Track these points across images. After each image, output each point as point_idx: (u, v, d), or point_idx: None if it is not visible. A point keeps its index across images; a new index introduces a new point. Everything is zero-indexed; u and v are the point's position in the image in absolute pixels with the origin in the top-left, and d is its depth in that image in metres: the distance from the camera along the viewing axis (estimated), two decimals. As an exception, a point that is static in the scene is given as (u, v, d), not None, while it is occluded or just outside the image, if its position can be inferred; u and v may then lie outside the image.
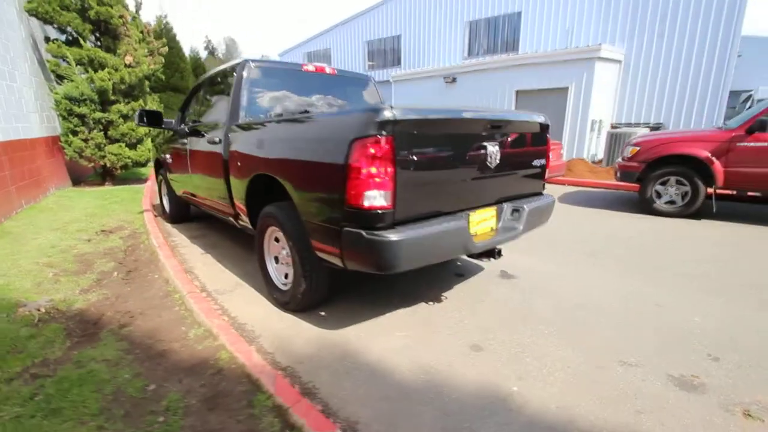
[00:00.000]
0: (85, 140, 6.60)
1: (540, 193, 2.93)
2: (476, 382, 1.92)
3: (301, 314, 2.61)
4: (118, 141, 7.03)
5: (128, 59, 6.84)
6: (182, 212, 5.01)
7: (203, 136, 3.51)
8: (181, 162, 4.15)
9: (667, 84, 12.15)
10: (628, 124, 12.54)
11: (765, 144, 4.32)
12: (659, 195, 5.14)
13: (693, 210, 4.89)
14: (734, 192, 4.88)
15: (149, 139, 7.65)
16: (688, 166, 4.81)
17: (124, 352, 2.11)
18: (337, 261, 2.14)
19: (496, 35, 15.53)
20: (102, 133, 6.78)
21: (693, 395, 1.84)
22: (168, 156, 4.54)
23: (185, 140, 3.90)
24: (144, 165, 7.77)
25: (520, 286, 3.06)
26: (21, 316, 2.46)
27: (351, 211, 1.89)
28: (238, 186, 2.94)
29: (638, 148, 5.21)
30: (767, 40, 16.46)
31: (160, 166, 5.21)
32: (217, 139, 3.15)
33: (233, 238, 4.34)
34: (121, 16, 6.65)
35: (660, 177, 5.05)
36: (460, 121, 2.13)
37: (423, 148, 1.97)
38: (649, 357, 2.13)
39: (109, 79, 6.48)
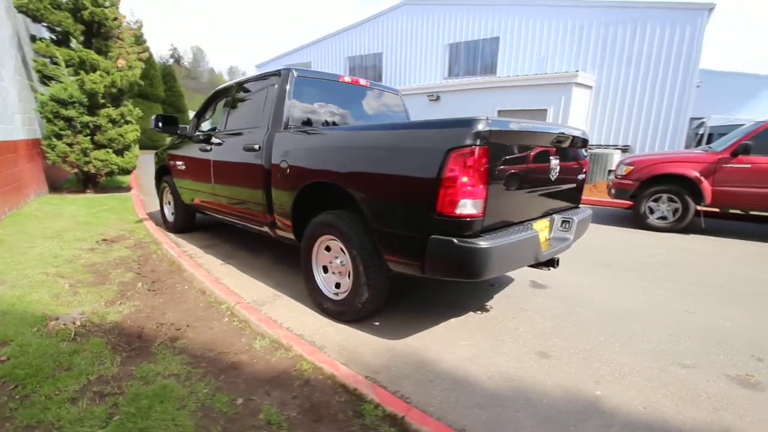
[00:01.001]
0: (70, 144, 6.20)
1: (577, 206, 3.07)
2: (559, 387, 1.96)
3: (354, 324, 2.56)
4: (105, 146, 6.66)
5: (121, 63, 6.56)
6: (188, 221, 4.79)
7: (233, 144, 3.42)
8: (197, 169, 4.00)
9: (634, 109, 13.09)
10: (599, 146, 13.36)
11: (748, 166, 4.76)
12: (652, 211, 5.49)
13: (683, 225, 5.26)
14: (718, 209, 5.30)
15: (137, 146, 7.30)
16: (679, 185, 5.19)
17: (189, 365, 1.99)
18: (413, 269, 2.14)
19: (476, 58, 16.19)
20: (89, 137, 6.41)
21: (755, 392, 1.96)
22: (178, 163, 4.36)
23: (207, 147, 3.77)
24: (129, 172, 7.39)
25: (555, 294, 3.16)
26: (55, 330, 2.26)
27: (441, 219, 1.91)
28: (283, 196, 2.87)
29: (632, 167, 5.56)
30: (715, 74, 18.17)
31: (163, 173, 4.99)
32: (257, 147, 3.08)
33: (248, 248, 4.20)
34: (115, 18, 6.39)
35: (653, 194, 5.41)
36: (537, 133, 2.22)
37: (507, 158, 2.03)
38: (700, 359, 2.25)
39: (101, 82, 6.17)
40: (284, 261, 3.83)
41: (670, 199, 5.32)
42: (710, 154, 5.07)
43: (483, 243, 1.87)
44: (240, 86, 3.65)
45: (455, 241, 1.88)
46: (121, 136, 6.75)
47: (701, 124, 16.53)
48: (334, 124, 3.36)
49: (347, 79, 3.53)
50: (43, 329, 2.27)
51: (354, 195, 2.32)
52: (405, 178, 2.02)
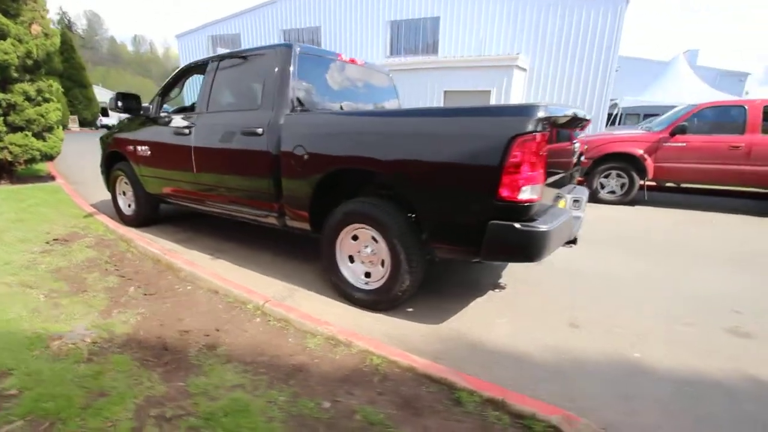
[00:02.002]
0: (-23, 127, 5.15)
1: (575, 185, 3.30)
2: (602, 354, 2.14)
3: (388, 313, 2.54)
4: (22, 129, 5.64)
5: (35, 29, 5.51)
6: (152, 214, 4.30)
7: (222, 127, 3.10)
8: (171, 156, 3.58)
9: (563, 91, 14.19)
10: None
11: (683, 144, 5.46)
12: (602, 186, 6.09)
13: (629, 198, 5.92)
14: (656, 183, 6.04)
15: (60, 128, 6.29)
16: (626, 162, 5.80)
17: (248, 374, 1.83)
18: (464, 255, 2.18)
19: (417, 37, 16.23)
20: (1, 119, 5.37)
21: (749, 339, 2.33)
22: (141, 148, 3.85)
23: (185, 130, 3.37)
24: (52, 159, 6.36)
25: (557, 267, 3.39)
26: (64, 352, 1.93)
27: (502, 204, 1.94)
28: (299, 185, 2.69)
29: (586, 147, 6.08)
30: (624, 59, 20.24)
31: (113, 159, 4.38)
32: (259, 131, 2.82)
33: (235, 239, 3.90)
34: (25, -27, 5.31)
35: (604, 171, 5.99)
36: (572, 118, 2.32)
37: (554, 142, 2.11)
38: (697, 317, 2.60)
39: (14, 52, 5.15)
40: (283, 251, 3.63)
41: (618, 175, 5.93)
42: (652, 133, 5.72)
43: (543, 226, 1.94)
44: (224, 61, 3.28)
45: (517, 225, 1.93)
46: (42, 116, 5.75)
47: (614, 105, 18.50)
48: (339, 106, 3.20)
49: (345, 57, 3.35)
50: (46, 352, 1.93)
51: (397, 183, 2.26)
52: (462, 165, 2.01)
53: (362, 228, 2.51)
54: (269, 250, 3.65)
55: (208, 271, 2.89)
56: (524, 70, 13.79)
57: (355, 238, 2.59)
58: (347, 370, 1.85)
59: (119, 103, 3.55)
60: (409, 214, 2.36)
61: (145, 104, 3.88)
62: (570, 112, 2.28)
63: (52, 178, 6.69)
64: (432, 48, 15.92)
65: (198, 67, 3.58)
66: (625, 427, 1.62)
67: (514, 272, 3.28)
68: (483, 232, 2.02)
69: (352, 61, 3.42)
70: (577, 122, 2.63)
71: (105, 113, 28.85)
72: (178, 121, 3.52)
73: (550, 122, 1.96)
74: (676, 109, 6.12)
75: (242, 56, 3.19)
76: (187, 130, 3.36)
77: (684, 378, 1.95)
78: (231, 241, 3.87)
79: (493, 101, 12.43)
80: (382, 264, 2.50)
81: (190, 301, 2.58)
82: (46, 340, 2.00)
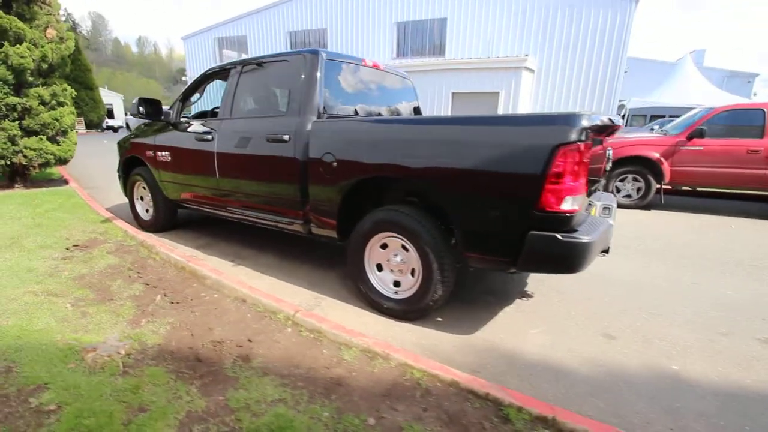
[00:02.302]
0: (-7, 131, 5.16)
1: (600, 191, 3.26)
2: (642, 366, 2.10)
3: (418, 323, 2.51)
4: (36, 133, 5.64)
5: (50, 33, 5.51)
6: (171, 219, 4.28)
7: (246, 133, 3.08)
8: (192, 162, 3.57)
9: (571, 92, 14.13)
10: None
11: (701, 148, 5.40)
12: (618, 190, 6.04)
13: (645, 202, 5.86)
14: (671, 186, 5.98)
15: (74, 132, 6.29)
16: (642, 166, 5.75)
17: (286, 387, 1.80)
18: (499, 265, 2.14)
19: (424, 38, 16.22)
20: (17, 123, 5.37)
21: (786, 352, 2.29)
22: (162, 154, 3.84)
23: (207, 136, 3.35)
24: (66, 162, 6.37)
25: (581, 274, 3.34)
26: (99, 364, 1.91)
27: (543, 215, 1.90)
28: (327, 192, 2.67)
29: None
30: (632, 60, 20.15)
31: (131, 164, 4.37)
32: (286, 138, 2.80)
33: (254, 246, 3.88)
34: (41, -23, 5.32)
35: (620, 175, 5.94)
36: (607, 125, 2.28)
37: (591, 151, 2.07)
38: (731, 327, 2.56)
39: (29, 56, 5.15)
40: (306, 258, 3.60)
41: (635, 179, 5.88)
42: (669, 137, 5.66)
43: (585, 237, 1.91)
44: (246, 67, 3.26)
45: (559, 236, 1.89)
46: (56, 120, 5.75)
47: (622, 107, 18.41)
48: (364, 112, 3.17)
49: (369, 63, 3.32)
50: (81, 364, 1.90)
51: (433, 191, 2.23)
52: (503, 175, 1.97)
53: (392, 236, 2.48)
54: (291, 257, 3.62)
55: (235, 279, 2.87)
56: (532, 71, 13.74)
57: (384, 246, 2.56)
58: (387, 383, 1.82)
59: (141, 109, 3.53)
60: (440, 223, 2.33)
61: (165, 108, 3.86)
62: (605, 119, 2.24)
63: (65, 181, 6.69)
64: (439, 49, 15.90)
65: (219, 73, 3.56)
66: (676, 445, 1.58)
67: (540, 280, 3.24)
68: (521, 243, 1.99)
69: (375, 66, 3.39)
70: (610, 128, 2.59)
71: (110, 115, 28.99)
72: (199, 126, 3.50)
73: (592, 131, 1.93)
74: (692, 112, 6.06)
75: (266, 62, 3.16)
76: (209, 136, 3.34)
77: (725, 391, 1.91)
78: (251, 248, 3.85)
79: (501, 103, 12.39)
80: (413, 273, 2.47)
81: (218, 310, 2.56)
82: (79, 352, 1.98)
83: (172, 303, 2.65)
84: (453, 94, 13.06)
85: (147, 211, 4.39)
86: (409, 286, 2.49)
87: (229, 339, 2.21)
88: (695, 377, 2.02)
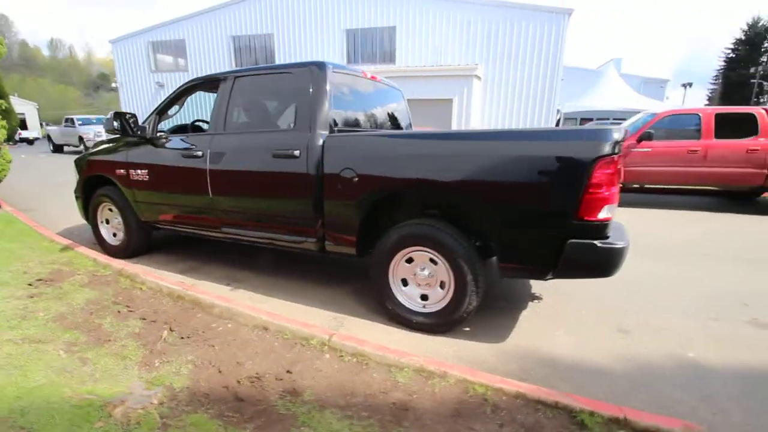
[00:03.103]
0: None
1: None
2: (664, 357, 2.27)
3: (447, 335, 2.51)
4: (-39, 151, 4.88)
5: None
6: (145, 243, 3.91)
7: (246, 149, 2.91)
8: (178, 180, 3.29)
9: (515, 100, 15.01)
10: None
11: (649, 150, 6.00)
12: None
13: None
14: (622, 185, 6.55)
15: (6, 150, 5.54)
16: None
17: (354, 419, 1.71)
18: (533, 274, 2.22)
19: (374, 45, 16.39)
20: (-64, 139, 4.60)
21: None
22: (137, 172, 3.49)
23: (197, 152, 3.10)
24: (-3, 183, 5.57)
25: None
26: (135, 419, 1.68)
27: (581, 224, 2.00)
28: (346, 208, 2.59)
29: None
30: (568, 69, 21.87)
31: (93, 184, 3.93)
32: (296, 153, 2.68)
33: (247, 267, 3.65)
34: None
35: None
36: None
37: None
38: (719, 313, 2.85)
39: (-48, 62, 4.44)
40: (308, 276, 3.46)
41: None
42: (621, 140, 6.20)
43: (620, 243, 2.04)
44: (241, 79, 3.07)
45: (597, 243, 2.00)
46: (-14, 135, 5.02)
47: (557, 111, 19.93)
48: (357, 124, 3.12)
49: (368, 74, 3.29)
50: (110, 422, 1.66)
51: (467, 205, 2.25)
52: (542, 186, 2.05)
53: (419, 250, 2.46)
54: (291, 277, 3.46)
55: (248, 306, 2.68)
56: (480, 79, 14.41)
57: (409, 260, 2.54)
58: (453, 403, 1.80)
59: (116, 124, 3.19)
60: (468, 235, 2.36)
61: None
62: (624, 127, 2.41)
63: (-6, 205, 5.84)
64: (389, 57, 16.14)
65: (204, 84, 3.33)
66: (724, 429, 1.73)
67: (543, 283, 3.38)
68: (558, 251, 2.07)
69: (373, 78, 3.37)
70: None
71: (23, 126, 25.91)
72: (182, 142, 3.23)
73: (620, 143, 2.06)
74: (636, 117, 6.72)
75: (264, 74, 3.01)
76: (199, 152, 3.10)
77: (741, 373, 2.13)
78: (244, 269, 3.62)
79: (455, 109, 12.85)
80: (442, 286, 2.47)
81: (238, 341, 2.37)
82: (103, 407, 1.73)
83: (182, 338, 2.41)
84: (408, 101, 13.27)
85: (115, 235, 3.97)
86: (439, 299, 2.49)
87: (266, 372, 2.06)
88: (711, 363, 2.22)
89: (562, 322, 2.69)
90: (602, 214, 1.99)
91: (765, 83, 40.56)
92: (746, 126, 5.61)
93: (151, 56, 19.22)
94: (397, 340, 2.44)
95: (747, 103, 38.13)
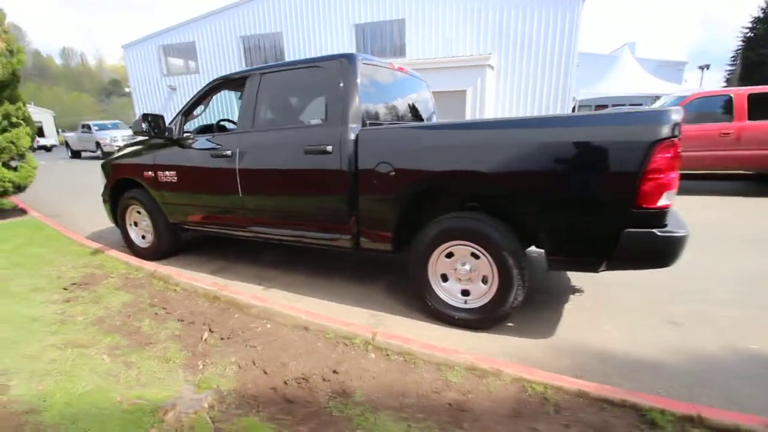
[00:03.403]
0: (-62, 160, 4.45)
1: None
2: (724, 349, 2.16)
3: (491, 331, 2.43)
4: (-11, 159, 4.95)
5: (-1, 44, 4.86)
6: (174, 244, 3.91)
7: (276, 147, 2.87)
8: (205, 180, 3.27)
9: (529, 88, 14.70)
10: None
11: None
12: None
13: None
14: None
15: (31, 156, 5.61)
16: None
17: (410, 420, 1.65)
18: (584, 266, 2.13)
19: (384, 39, 16.21)
20: (-34, 148, 4.68)
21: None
22: (165, 173, 3.47)
23: (226, 152, 3.07)
24: (24, 190, 5.65)
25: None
26: (188, 424, 1.65)
27: (639, 212, 1.90)
28: (383, 204, 2.53)
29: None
30: (582, 55, 21.39)
31: (120, 187, 3.94)
32: (329, 149, 2.62)
33: (276, 266, 3.62)
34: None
35: None
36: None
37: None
38: (764, 300, 2.70)
39: (-22, 71, 4.50)
40: (338, 273, 3.41)
41: None
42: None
43: (681, 231, 1.93)
44: (268, 75, 3.02)
45: (657, 232, 1.90)
46: (13, 143, 5.09)
47: (573, 99, 19.52)
48: (387, 116, 3.05)
49: (395, 66, 3.20)
50: (163, 427, 1.64)
51: (513, 196, 2.16)
52: (597, 175, 1.95)
53: (460, 245, 2.39)
54: (323, 274, 3.42)
55: (287, 306, 2.64)
56: (493, 68, 14.16)
57: (449, 255, 2.47)
58: (512, 402, 1.73)
59: (144, 126, 3.17)
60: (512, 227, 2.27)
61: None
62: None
63: (22, 211, 5.93)
64: (399, 50, 15.95)
65: (229, 83, 3.28)
66: (805, 426, 1.62)
67: (579, 274, 3.28)
68: (614, 241, 1.97)
69: (400, 69, 3.28)
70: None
71: (41, 133, 26.46)
72: (209, 142, 3.20)
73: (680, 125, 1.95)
74: (662, 101, 6.49)
75: (291, 69, 2.95)
76: (228, 152, 3.06)
77: (811, 365, 2.01)
78: (273, 268, 3.59)
79: (469, 100, 12.65)
80: (484, 281, 2.39)
81: (279, 341, 2.33)
82: (153, 412, 1.71)
83: (222, 339, 2.38)
84: (421, 94, 13.15)
85: (143, 237, 3.98)
86: (481, 294, 2.41)
87: (312, 373, 2.01)
88: (774, 354, 2.10)
89: (608, 315, 2.58)
90: (662, 201, 1.88)
91: (787, 62, 39.08)
92: (781, 105, 5.37)
93: (163, 60, 19.37)
94: (439, 337, 2.37)
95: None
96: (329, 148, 2.62)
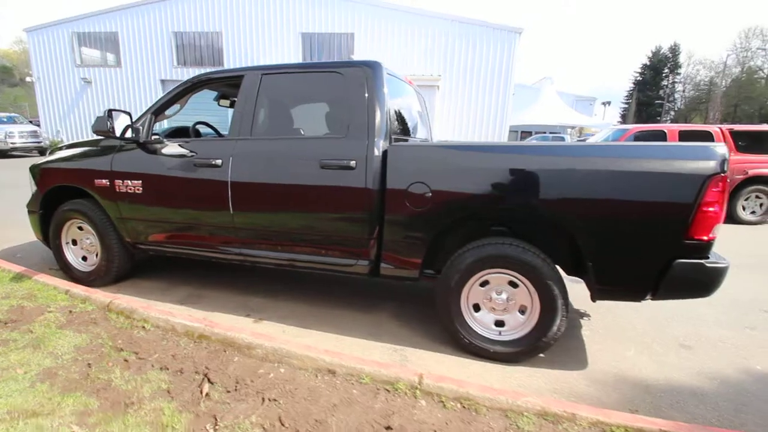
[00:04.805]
0: None
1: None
2: (737, 371, 2.28)
3: (524, 364, 2.31)
4: None
5: None
6: (128, 267, 3.26)
7: (283, 158, 2.52)
8: (183, 193, 2.78)
9: (471, 111, 15.48)
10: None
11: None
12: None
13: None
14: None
15: None
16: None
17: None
18: (631, 295, 2.12)
19: (332, 51, 16.03)
20: None
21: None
22: (123, 182, 2.88)
23: (215, 161, 2.62)
24: None
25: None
26: None
27: (690, 243, 1.92)
28: (412, 228, 2.31)
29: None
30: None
31: (52, 200, 3.21)
32: (352, 164, 2.34)
33: (258, 292, 3.17)
34: None
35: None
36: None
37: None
38: (755, 322, 2.94)
39: None
40: (332, 300, 3.07)
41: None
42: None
43: (724, 262, 1.99)
44: (270, 77, 2.64)
45: (705, 263, 1.93)
46: None
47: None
48: (405, 131, 2.86)
49: (407, 78, 3.03)
50: None
51: (562, 223, 2.08)
52: (649, 204, 1.94)
53: (497, 272, 2.25)
54: (317, 301, 3.06)
55: (300, 345, 2.25)
56: (439, 89, 14.69)
57: (484, 284, 2.31)
58: (596, 449, 1.59)
59: (110, 124, 2.58)
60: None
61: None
62: None
63: None
64: (347, 64, 15.84)
65: (218, 81, 2.84)
66: None
67: (576, 297, 3.33)
68: (663, 271, 1.98)
69: (410, 82, 3.12)
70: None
71: None
72: (189, 148, 2.71)
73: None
74: (604, 132, 7.15)
75: (301, 71, 2.63)
76: (218, 161, 2.61)
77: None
78: (257, 295, 3.14)
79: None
80: (522, 311, 2.28)
81: (302, 391, 1.96)
82: None
83: (229, 392, 1.94)
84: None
85: (84, 259, 3.26)
86: (518, 325, 2.29)
87: (348, 424, 1.69)
88: (783, 375, 2.26)
89: (623, 340, 2.62)
90: (712, 233, 1.93)
91: (667, 104, 46.52)
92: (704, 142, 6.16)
93: (76, 49, 17.04)
94: (477, 373, 2.20)
95: (653, 119, 43.53)
96: (352, 163, 2.34)
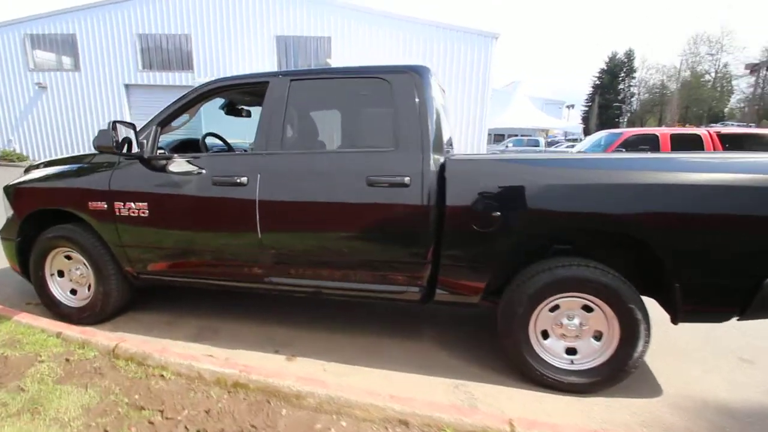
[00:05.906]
0: None
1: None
2: (815, 389, 2.20)
3: (595, 394, 2.13)
4: None
5: None
6: (126, 299, 2.84)
7: (322, 174, 2.23)
8: (198, 214, 2.44)
9: (450, 115, 15.52)
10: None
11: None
12: None
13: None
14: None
15: None
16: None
17: None
18: (718, 315, 1.99)
19: (308, 55, 15.67)
20: None
21: None
22: (125, 204, 2.48)
23: (241, 178, 2.29)
24: None
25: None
26: None
27: (783, 261, 1.81)
28: (476, 249, 2.08)
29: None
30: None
31: (40, 222, 2.76)
32: (406, 181, 2.08)
33: (281, 324, 2.84)
34: None
35: None
36: None
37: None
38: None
39: None
40: (369, 328, 2.79)
41: None
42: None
43: (808, 278, 1.88)
44: (298, 83, 2.34)
45: (795, 282, 1.82)
46: None
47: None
48: (449, 142, 2.64)
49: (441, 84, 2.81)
50: None
51: (648, 243, 1.92)
52: (746, 220, 1.81)
53: (569, 296, 2.06)
54: (353, 329, 2.76)
55: (362, 390, 1.96)
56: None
57: (553, 309, 2.12)
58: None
59: (115, 137, 2.20)
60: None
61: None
62: None
63: None
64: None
65: (235, 88, 2.51)
66: None
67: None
68: (754, 290, 1.86)
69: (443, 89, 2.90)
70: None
71: None
72: (204, 163, 2.37)
73: None
74: (597, 136, 7.24)
75: (335, 77, 2.35)
76: (243, 178, 2.28)
77: None
78: (281, 326, 2.80)
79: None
80: (597, 337, 2.10)
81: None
82: None
83: (285, 455, 1.64)
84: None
85: (74, 292, 2.81)
86: (593, 352, 2.10)
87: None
88: None
89: (683, 357, 2.50)
90: (804, 249, 1.82)
91: (624, 107, 49.00)
92: (695, 145, 6.34)
93: (29, 52, 15.73)
94: (554, 410, 1.99)
95: (612, 121, 45.75)
96: (407, 179, 2.09)
